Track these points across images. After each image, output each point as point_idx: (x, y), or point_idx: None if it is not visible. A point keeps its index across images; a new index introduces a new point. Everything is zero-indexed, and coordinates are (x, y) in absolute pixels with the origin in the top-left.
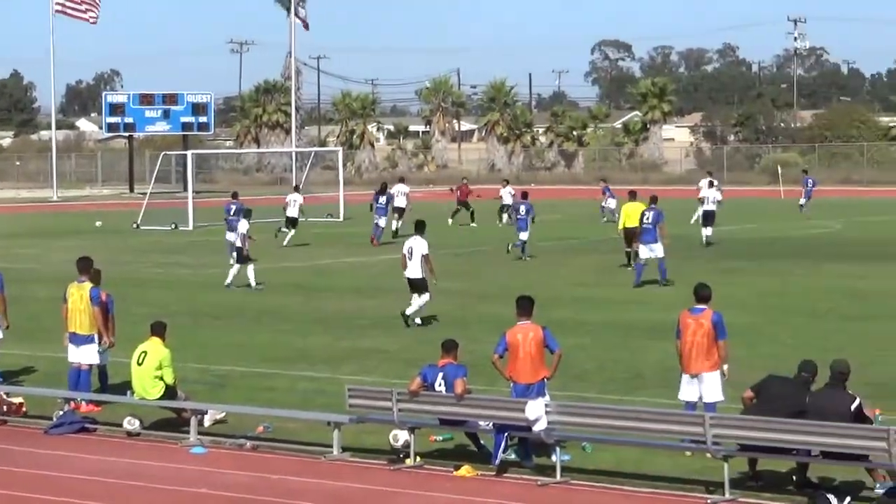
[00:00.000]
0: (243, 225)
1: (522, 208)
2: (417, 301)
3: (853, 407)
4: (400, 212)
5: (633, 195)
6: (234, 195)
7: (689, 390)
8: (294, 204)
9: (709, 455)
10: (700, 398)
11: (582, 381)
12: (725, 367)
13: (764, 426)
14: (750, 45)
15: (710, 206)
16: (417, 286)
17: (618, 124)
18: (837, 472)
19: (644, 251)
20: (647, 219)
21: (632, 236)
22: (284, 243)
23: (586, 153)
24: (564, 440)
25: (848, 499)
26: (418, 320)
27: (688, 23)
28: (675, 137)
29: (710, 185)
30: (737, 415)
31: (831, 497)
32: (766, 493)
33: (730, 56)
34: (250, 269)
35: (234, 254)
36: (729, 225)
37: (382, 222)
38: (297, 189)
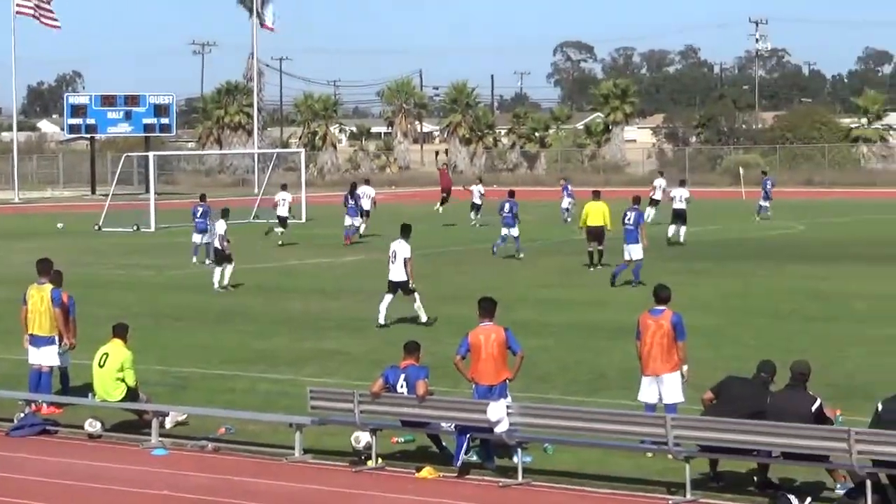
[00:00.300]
0: (221, 225)
1: (507, 206)
2: (416, 304)
3: (814, 408)
4: (365, 214)
5: (596, 195)
6: (202, 197)
7: (649, 392)
8: (283, 203)
9: (670, 456)
10: (660, 399)
11: (544, 383)
12: (685, 368)
13: (725, 427)
14: (712, 47)
15: (681, 205)
16: (402, 288)
17: (580, 126)
18: (798, 472)
19: (625, 252)
20: (629, 219)
21: (594, 235)
22: (280, 243)
23: (548, 154)
24: (526, 442)
25: (809, 499)
26: (387, 317)
27: (650, 24)
28: (637, 139)
29: (682, 183)
30: (698, 416)
31: (792, 497)
32: (727, 494)
33: (691, 57)
34: (218, 270)
35: (213, 255)
36: (691, 226)
37: (357, 221)
38: (284, 188)
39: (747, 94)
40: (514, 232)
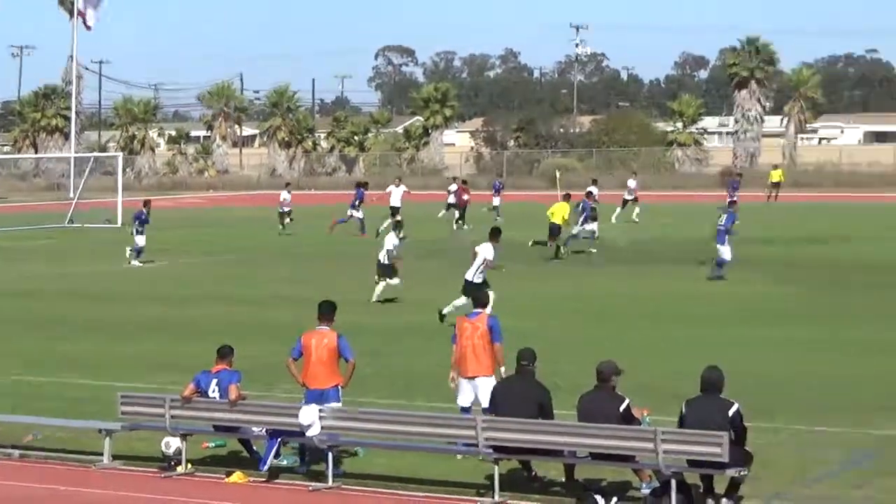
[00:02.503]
0: (391, 239)
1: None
2: (456, 301)
3: (622, 408)
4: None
5: (566, 197)
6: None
7: (466, 395)
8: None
9: (480, 458)
10: (477, 402)
11: (361, 386)
12: (503, 370)
13: (534, 428)
14: (533, 52)
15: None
16: (466, 286)
17: (399, 129)
18: (605, 472)
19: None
20: (720, 220)
21: (552, 231)
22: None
23: (367, 158)
24: (338, 445)
25: (615, 499)
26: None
27: (470, 28)
28: (456, 142)
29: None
30: (509, 418)
31: (598, 498)
32: (534, 495)
33: (511, 62)
34: (382, 284)
35: (377, 267)
36: (507, 230)
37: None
38: (399, 180)
39: (566, 98)
40: (574, 230)
